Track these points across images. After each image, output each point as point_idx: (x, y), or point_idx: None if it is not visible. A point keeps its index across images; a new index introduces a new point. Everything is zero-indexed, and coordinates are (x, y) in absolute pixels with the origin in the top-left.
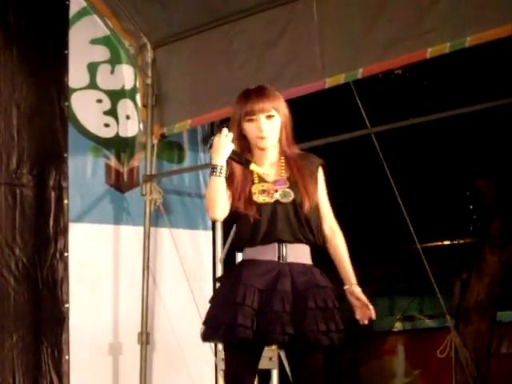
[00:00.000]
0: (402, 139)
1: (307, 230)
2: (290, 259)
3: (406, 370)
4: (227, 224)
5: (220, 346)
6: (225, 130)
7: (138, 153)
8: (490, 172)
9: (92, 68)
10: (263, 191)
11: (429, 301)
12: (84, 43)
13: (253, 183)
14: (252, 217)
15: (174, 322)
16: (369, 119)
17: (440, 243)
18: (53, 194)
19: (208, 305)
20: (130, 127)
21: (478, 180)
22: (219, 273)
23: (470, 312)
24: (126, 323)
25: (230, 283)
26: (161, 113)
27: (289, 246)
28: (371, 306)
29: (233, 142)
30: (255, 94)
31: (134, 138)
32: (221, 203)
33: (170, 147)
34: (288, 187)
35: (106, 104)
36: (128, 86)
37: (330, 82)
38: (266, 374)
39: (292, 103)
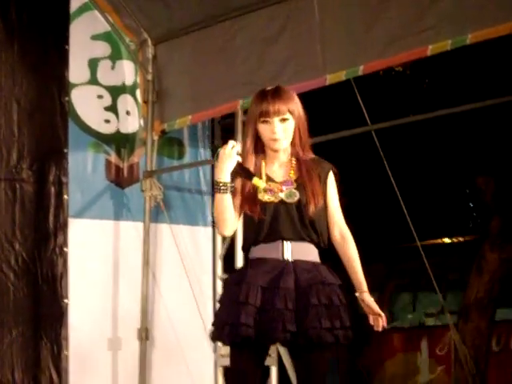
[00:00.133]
0: (403, 137)
1: (311, 230)
2: (295, 257)
3: (430, 366)
4: None
5: (219, 343)
6: (231, 142)
7: (139, 149)
8: (490, 170)
9: (93, 64)
10: (269, 190)
11: (452, 297)
12: (85, 39)
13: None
14: (256, 215)
15: (174, 318)
16: (369, 116)
17: (440, 241)
18: (53, 189)
19: (207, 301)
20: (131, 123)
21: (478, 178)
22: (219, 269)
23: (470, 309)
24: (126, 319)
25: (235, 283)
26: (161, 109)
27: (293, 244)
28: (383, 314)
29: (240, 154)
30: (271, 95)
31: (134, 134)
32: (228, 220)
33: (171, 143)
34: (295, 188)
35: (107, 100)
36: (128, 81)
37: (330, 79)
38: (265, 370)
39: None
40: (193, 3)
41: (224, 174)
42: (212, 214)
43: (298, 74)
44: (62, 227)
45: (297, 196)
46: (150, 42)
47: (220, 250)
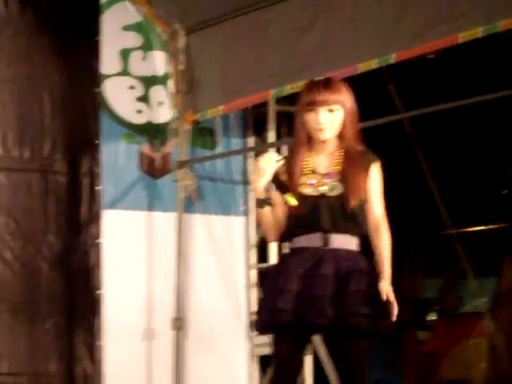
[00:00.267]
0: (435, 124)
1: (352, 223)
2: (335, 246)
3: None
4: None
5: (254, 332)
6: (271, 154)
7: (171, 139)
8: None
9: (124, 54)
10: (310, 184)
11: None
12: (116, 30)
13: (303, 174)
14: (297, 210)
15: (207, 308)
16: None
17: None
18: (85, 180)
19: (241, 290)
20: (163, 113)
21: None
22: (252, 259)
23: (504, 296)
24: (160, 309)
25: (276, 272)
26: (193, 99)
27: (333, 235)
28: (395, 305)
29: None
30: (320, 85)
31: (166, 124)
32: (272, 230)
33: (203, 133)
34: (338, 181)
35: (139, 90)
36: (160, 72)
37: (361, 68)
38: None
39: None
40: None
41: (259, 190)
42: (245, 203)
43: (329, 62)
44: (94, 218)
45: (339, 190)
46: (181, 32)
47: (253, 240)
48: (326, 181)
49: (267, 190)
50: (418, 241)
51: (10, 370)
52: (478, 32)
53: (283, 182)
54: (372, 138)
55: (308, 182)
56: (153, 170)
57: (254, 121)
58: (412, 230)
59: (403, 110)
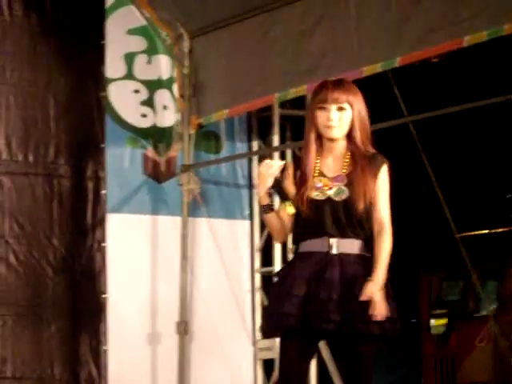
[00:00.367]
0: (439, 129)
1: (358, 228)
2: (341, 251)
3: None
4: None
5: (258, 336)
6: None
7: (176, 143)
8: None
9: (129, 58)
10: (317, 188)
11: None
12: (121, 34)
13: (312, 177)
14: (303, 212)
15: (212, 312)
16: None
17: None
18: (90, 184)
19: (245, 294)
20: (167, 117)
21: None
22: (257, 262)
23: (509, 300)
24: (164, 313)
25: (282, 276)
26: (198, 103)
27: (339, 240)
28: (377, 305)
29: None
30: (332, 84)
31: (171, 128)
32: (278, 233)
33: (208, 137)
34: (345, 185)
35: (143, 94)
36: (165, 76)
37: (366, 71)
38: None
39: None
40: None
41: (263, 197)
42: (250, 207)
43: (334, 66)
44: (99, 222)
45: (345, 194)
46: (185, 35)
47: (258, 244)
48: (333, 184)
49: (270, 195)
50: (434, 243)
51: (14, 374)
52: (484, 35)
53: (283, 189)
54: (376, 142)
55: (315, 186)
56: (157, 173)
57: (258, 125)
58: (427, 232)
59: (407, 114)
